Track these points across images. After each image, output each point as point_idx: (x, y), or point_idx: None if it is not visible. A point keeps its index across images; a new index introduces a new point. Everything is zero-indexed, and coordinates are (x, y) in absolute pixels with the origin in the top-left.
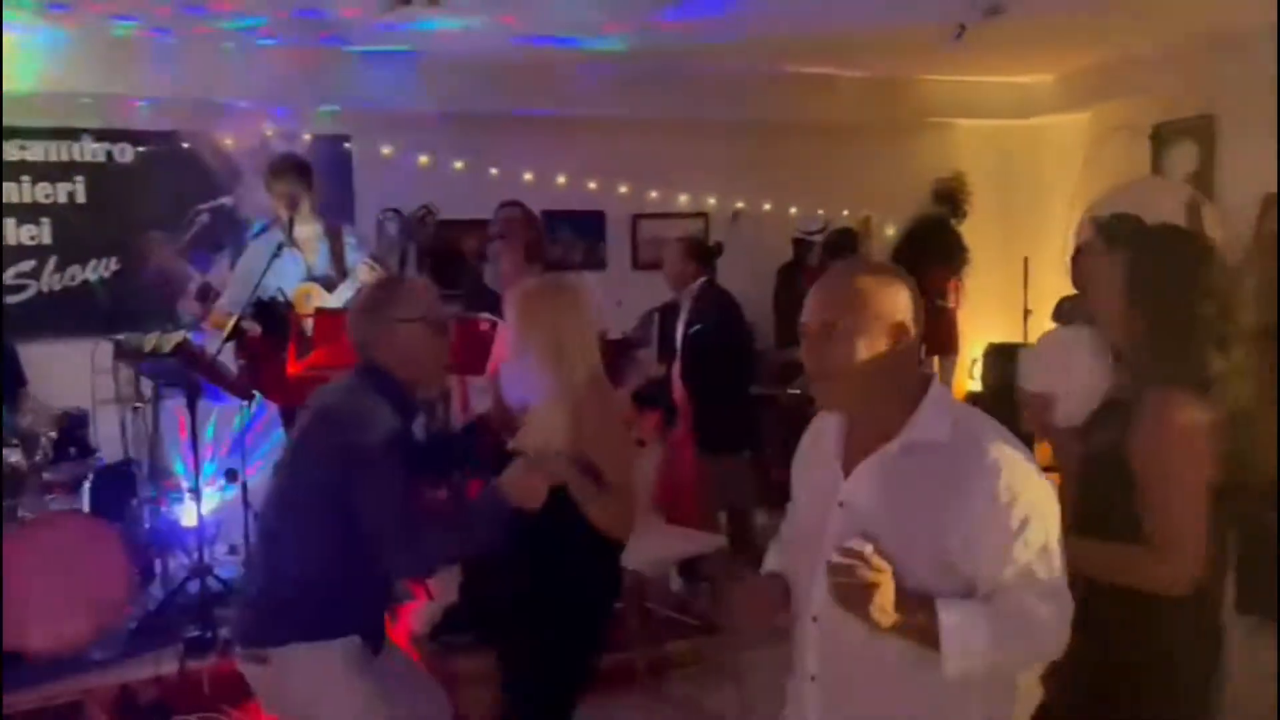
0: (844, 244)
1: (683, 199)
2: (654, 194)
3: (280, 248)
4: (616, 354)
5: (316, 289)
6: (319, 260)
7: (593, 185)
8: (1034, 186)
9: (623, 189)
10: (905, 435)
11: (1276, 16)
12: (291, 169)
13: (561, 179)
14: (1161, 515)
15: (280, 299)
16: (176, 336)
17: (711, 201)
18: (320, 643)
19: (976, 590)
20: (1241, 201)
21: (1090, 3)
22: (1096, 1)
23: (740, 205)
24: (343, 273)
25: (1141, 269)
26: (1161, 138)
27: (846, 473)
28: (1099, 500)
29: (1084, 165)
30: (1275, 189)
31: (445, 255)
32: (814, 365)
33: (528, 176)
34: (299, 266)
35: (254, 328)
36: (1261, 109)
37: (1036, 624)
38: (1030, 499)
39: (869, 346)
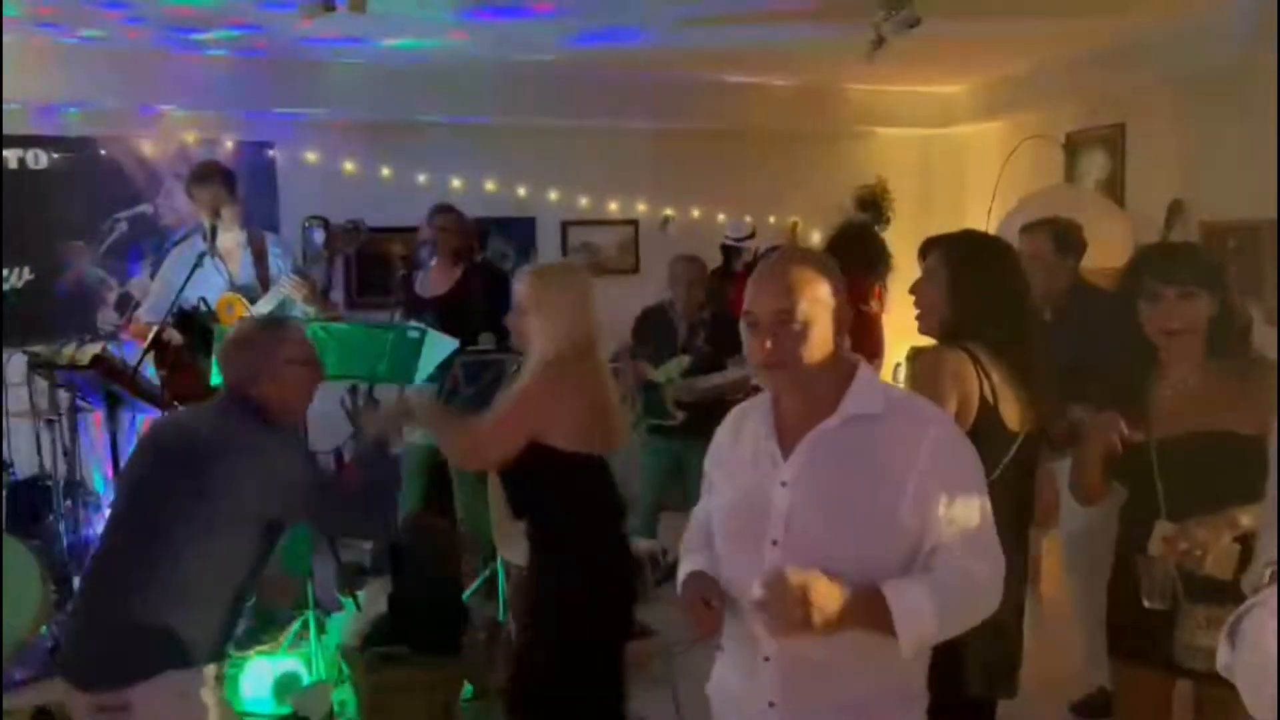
0: None
1: (613, 205)
2: (584, 200)
3: (202, 256)
4: None
5: (240, 299)
6: (242, 270)
7: (523, 192)
8: (954, 193)
9: (553, 195)
10: (842, 410)
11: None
12: (214, 175)
13: (491, 185)
14: None
15: (202, 308)
16: (94, 348)
17: (641, 208)
18: (191, 670)
19: (921, 549)
20: (1150, 207)
21: (1003, 14)
22: (1009, 13)
23: (669, 212)
24: (266, 282)
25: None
26: (1074, 146)
27: (785, 454)
28: None
29: (1000, 173)
30: (1181, 195)
31: (374, 264)
32: (770, 354)
33: (456, 183)
34: (222, 276)
35: (175, 338)
36: (1167, 117)
37: (977, 585)
38: (967, 458)
39: (820, 331)
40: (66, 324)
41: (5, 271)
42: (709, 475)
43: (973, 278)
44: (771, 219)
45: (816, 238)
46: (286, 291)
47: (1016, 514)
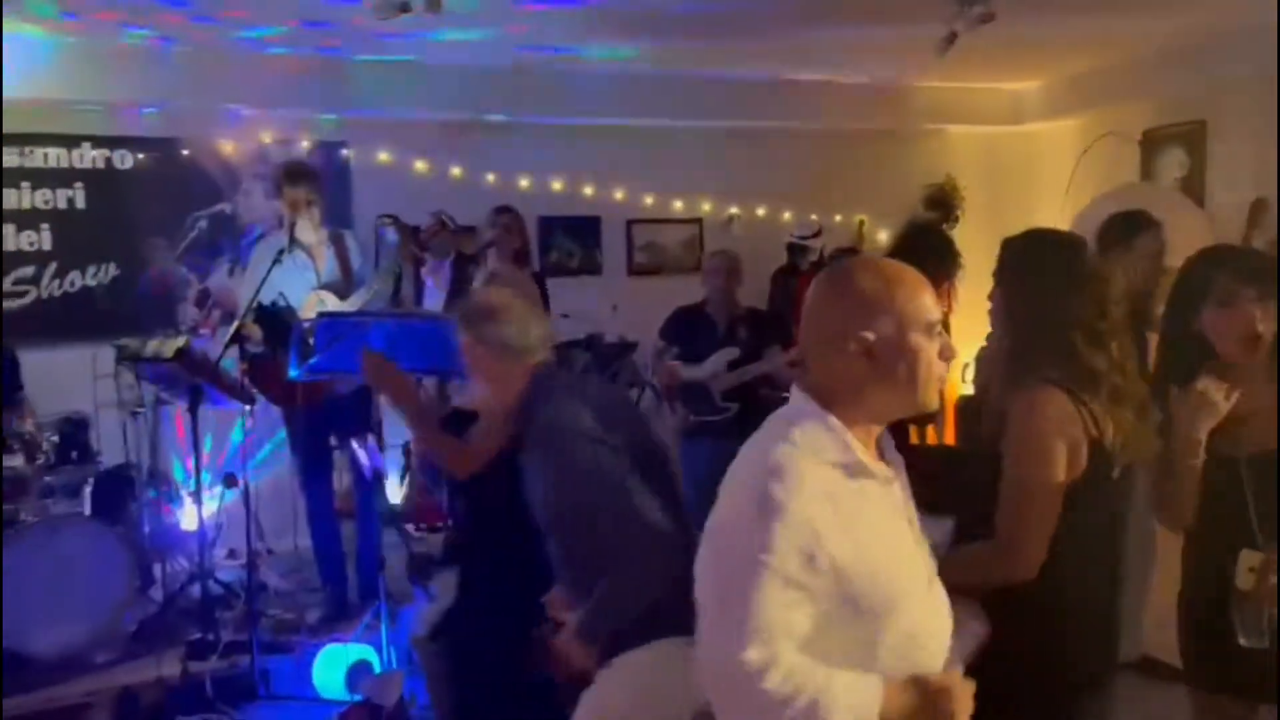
0: None
1: (678, 204)
2: (649, 199)
3: (281, 253)
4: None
5: (327, 296)
6: (326, 267)
7: (588, 191)
8: (1025, 192)
9: (618, 194)
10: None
11: (1276, 17)
12: (305, 174)
13: (557, 185)
14: (1002, 511)
15: (281, 303)
16: (178, 341)
17: (706, 207)
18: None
19: None
20: (1232, 208)
21: (1080, 8)
22: (1086, 7)
23: (735, 211)
24: (350, 277)
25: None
26: (1151, 143)
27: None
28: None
29: (1074, 171)
30: (1265, 194)
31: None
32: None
33: (524, 183)
34: (308, 272)
35: (255, 333)
36: (1251, 114)
37: None
38: None
39: None
40: (150, 320)
41: (93, 268)
42: (810, 575)
43: (1045, 285)
44: (838, 218)
45: (883, 237)
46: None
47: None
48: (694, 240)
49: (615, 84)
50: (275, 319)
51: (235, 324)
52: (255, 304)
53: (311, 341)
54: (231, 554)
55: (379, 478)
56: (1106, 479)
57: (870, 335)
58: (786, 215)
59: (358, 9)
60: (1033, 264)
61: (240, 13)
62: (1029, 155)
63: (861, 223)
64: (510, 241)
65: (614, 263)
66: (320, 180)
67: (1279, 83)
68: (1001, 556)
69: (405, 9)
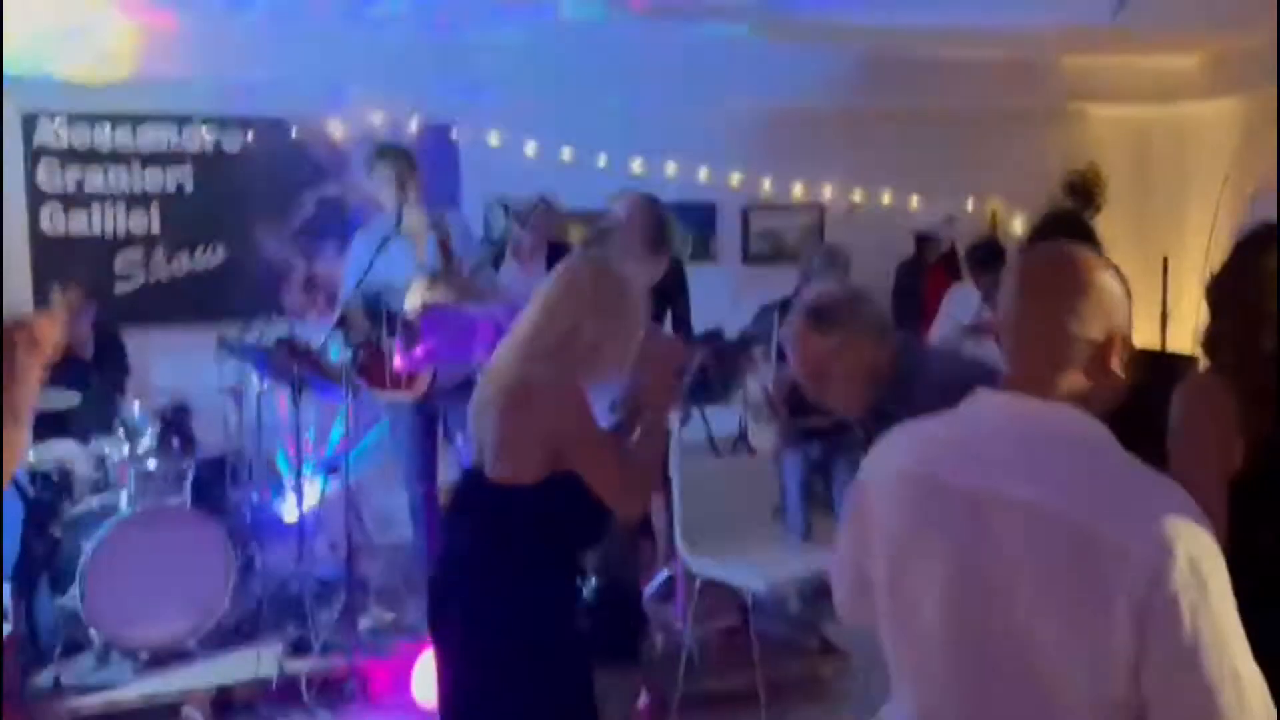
0: (992, 256)
1: (797, 190)
2: (767, 185)
3: (386, 240)
4: (732, 353)
5: (424, 281)
6: (428, 251)
7: (703, 175)
8: (1175, 181)
9: (735, 179)
10: None
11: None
12: (395, 154)
13: (671, 169)
14: None
15: (385, 291)
16: (281, 327)
17: (827, 193)
18: None
19: None
20: None
21: None
22: None
23: (857, 198)
24: (451, 262)
25: None
26: None
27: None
28: None
29: (1234, 159)
30: None
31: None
32: None
33: (636, 166)
34: (410, 257)
35: (359, 320)
36: None
37: None
38: None
39: None
40: (257, 303)
41: (201, 250)
42: None
43: None
44: (969, 205)
45: (1019, 226)
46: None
47: None
48: (814, 228)
49: (733, 61)
50: (378, 307)
51: (339, 312)
52: (359, 292)
53: (417, 331)
54: (333, 547)
55: None
56: None
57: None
58: (914, 202)
59: None
60: None
61: None
62: (1180, 140)
63: (994, 211)
64: (644, 228)
65: (729, 251)
66: (414, 160)
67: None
68: None
69: None
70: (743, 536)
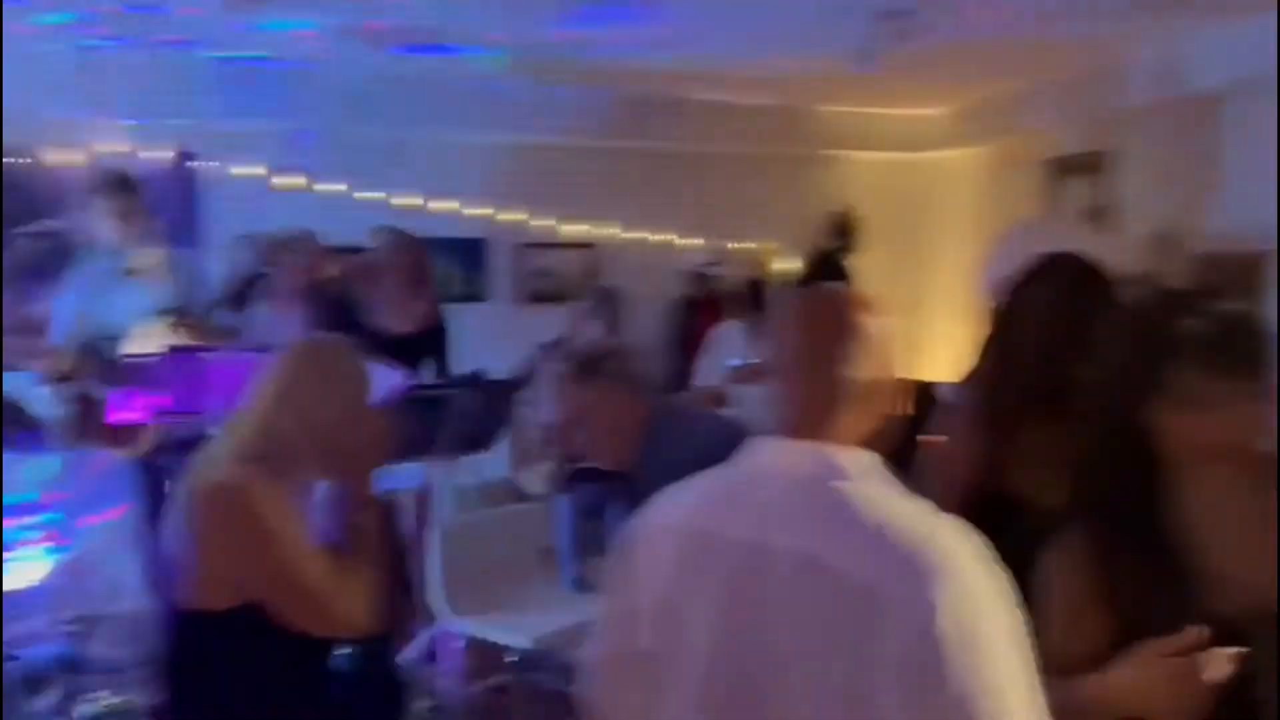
0: (758, 297)
1: (569, 228)
2: (539, 222)
3: (109, 276)
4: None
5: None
6: (161, 291)
7: (473, 211)
8: (927, 222)
9: (506, 216)
10: None
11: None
12: (119, 185)
13: (437, 204)
14: None
15: (110, 336)
16: None
17: (600, 231)
18: None
19: None
20: (1138, 238)
21: (987, 35)
22: (993, 34)
23: (629, 236)
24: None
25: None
26: (1058, 172)
27: None
28: None
29: (980, 201)
30: (1173, 227)
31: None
32: None
33: (398, 201)
34: (134, 298)
35: (81, 367)
36: (1159, 143)
37: None
38: None
39: None
40: None
41: None
42: None
43: None
44: (738, 245)
45: (784, 266)
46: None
47: None
48: (588, 267)
49: (505, 96)
50: (101, 352)
51: (53, 358)
52: (76, 337)
53: (140, 380)
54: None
55: None
56: None
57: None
58: (684, 242)
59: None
60: None
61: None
62: (931, 184)
63: (760, 252)
64: (407, 270)
65: (501, 290)
66: (144, 193)
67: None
68: None
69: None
70: (511, 588)
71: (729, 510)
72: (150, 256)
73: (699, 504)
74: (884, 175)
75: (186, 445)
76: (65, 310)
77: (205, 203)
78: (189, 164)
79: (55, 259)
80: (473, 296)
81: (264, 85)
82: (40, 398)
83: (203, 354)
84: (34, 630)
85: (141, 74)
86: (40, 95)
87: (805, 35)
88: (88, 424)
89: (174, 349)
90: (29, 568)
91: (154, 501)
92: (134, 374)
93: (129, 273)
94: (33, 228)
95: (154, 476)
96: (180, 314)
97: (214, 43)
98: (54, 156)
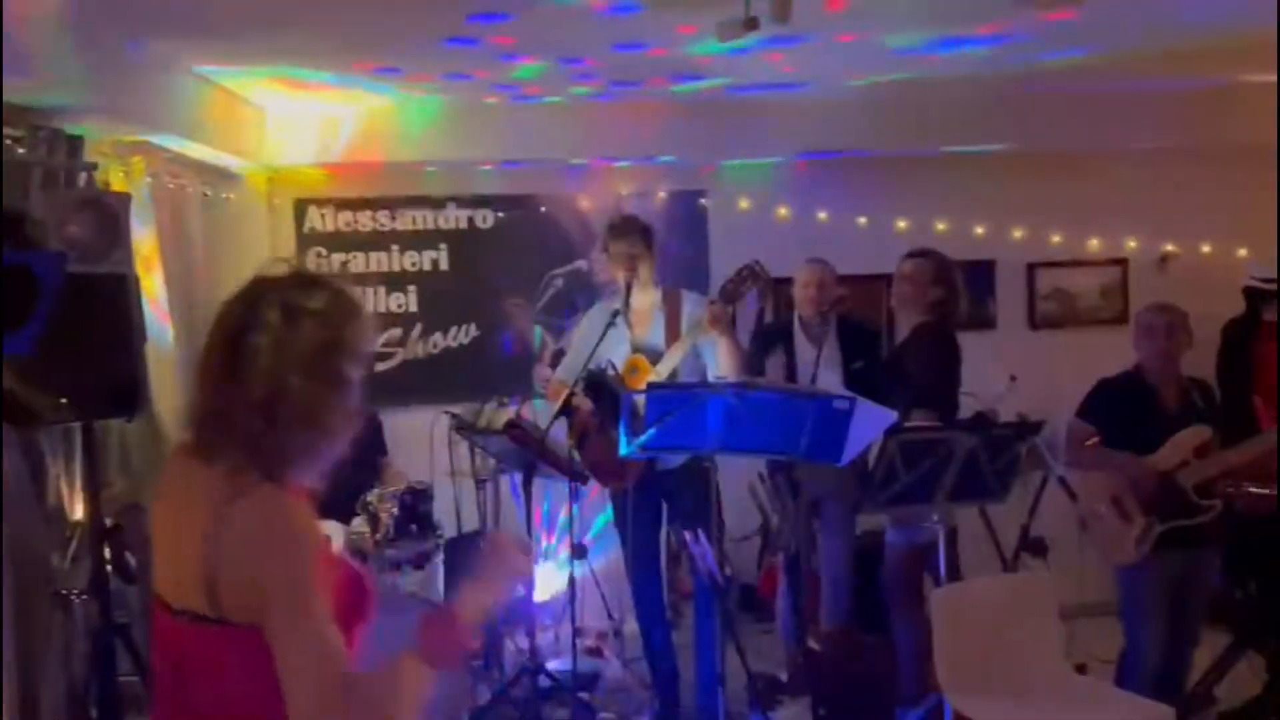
0: None
1: (1093, 242)
2: (1056, 238)
3: (615, 316)
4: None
5: (643, 360)
6: (651, 330)
7: (980, 230)
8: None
9: (1017, 233)
10: None
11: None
12: (630, 230)
13: (941, 225)
14: None
15: (611, 371)
16: (510, 411)
17: (1132, 244)
18: None
19: None
20: None
21: None
22: None
23: (1170, 247)
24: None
25: None
26: None
27: None
28: None
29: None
30: None
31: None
32: None
33: (901, 224)
34: (620, 339)
35: (585, 403)
36: None
37: None
38: None
39: None
40: (507, 381)
41: (455, 329)
42: None
43: None
44: None
45: None
46: (695, 338)
47: None
48: (1116, 285)
49: (1005, 104)
50: (604, 389)
51: (564, 394)
52: (585, 372)
53: (642, 415)
54: (579, 632)
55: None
56: None
57: None
58: (1242, 252)
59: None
60: None
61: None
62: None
63: None
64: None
65: (1012, 315)
66: (652, 235)
67: None
68: None
69: (753, 25)
70: None
71: None
72: (649, 296)
73: None
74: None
75: (676, 480)
76: (576, 347)
77: (713, 237)
78: (700, 200)
79: (583, 296)
80: (980, 323)
81: (764, 120)
82: (551, 430)
83: (691, 391)
84: (552, 643)
85: (660, 118)
86: (572, 143)
87: None
88: (590, 456)
89: (659, 385)
90: (554, 582)
91: (644, 534)
92: (629, 411)
93: (616, 314)
94: (565, 269)
95: (643, 509)
96: (649, 354)
97: (725, 86)
98: (581, 200)
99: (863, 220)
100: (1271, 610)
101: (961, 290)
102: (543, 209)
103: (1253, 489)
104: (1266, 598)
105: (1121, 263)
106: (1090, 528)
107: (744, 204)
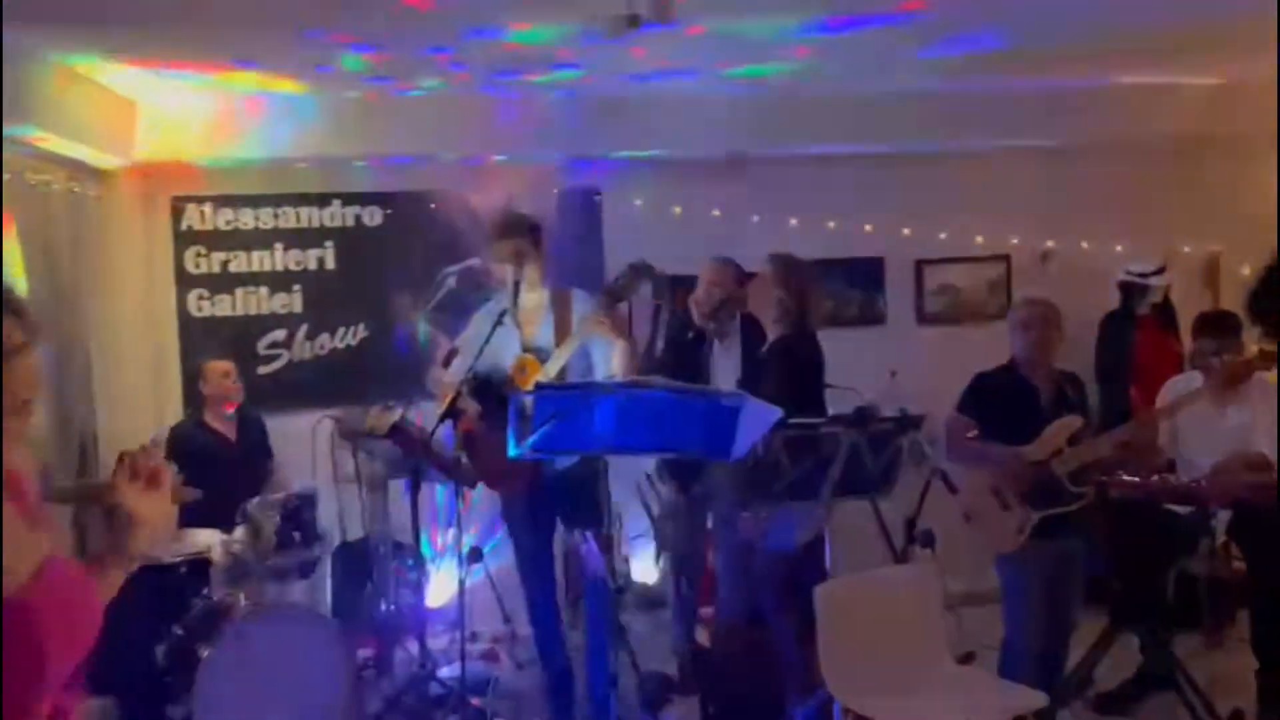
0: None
1: (978, 239)
2: (943, 235)
3: (503, 315)
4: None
5: (532, 360)
6: (541, 330)
7: (869, 228)
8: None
9: (905, 230)
10: None
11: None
12: (515, 227)
13: (832, 223)
14: None
15: (498, 374)
16: (394, 415)
17: (1014, 241)
18: None
19: None
20: None
21: None
22: None
23: (1050, 244)
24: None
25: None
26: None
27: None
28: None
29: None
30: None
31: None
32: None
33: (793, 221)
34: (511, 338)
35: (471, 405)
36: None
37: None
38: None
39: None
40: (399, 383)
41: (343, 329)
42: None
43: None
44: (1186, 249)
45: (1247, 271)
46: (583, 336)
47: None
48: (1000, 281)
49: (900, 104)
50: (490, 390)
51: (449, 396)
52: (471, 373)
53: (530, 416)
54: (474, 636)
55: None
56: None
57: None
58: (1118, 248)
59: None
60: None
61: (497, 52)
62: None
63: (1216, 255)
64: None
65: (900, 311)
66: (540, 233)
67: None
68: None
69: (634, 23)
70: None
71: None
72: (538, 296)
73: None
74: None
75: (567, 483)
76: (464, 349)
77: (608, 236)
78: (594, 198)
79: (476, 295)
80: (870, 319)
81: (661, 117)
82: (437, 434)
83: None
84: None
85: (553, 114)
86: (463, 140)
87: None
88: (478, 460)
89: (547, 387)
90: (444, 586)
91: (535, 538)
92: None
93: (504, 314)
94: (458, 266)
95: (535, 512)
96: (538, 354)
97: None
98: (473, 197)
99: (756, 218)
100: (1143, 591)
101: (812, 290)
102: (433, 205)
103: (1125, 476)
104: (1138, 579)
105: (1005, 259)
106: (973, 519)
107: (639, 201)
